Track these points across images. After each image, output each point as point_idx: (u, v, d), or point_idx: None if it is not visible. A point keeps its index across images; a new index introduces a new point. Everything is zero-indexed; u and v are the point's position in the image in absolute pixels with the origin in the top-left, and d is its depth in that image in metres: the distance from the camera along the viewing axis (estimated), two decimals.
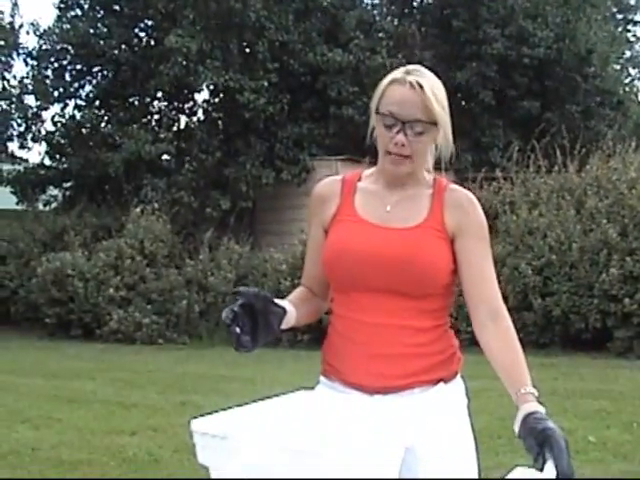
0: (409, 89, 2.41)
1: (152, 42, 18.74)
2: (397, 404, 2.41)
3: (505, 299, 9.56)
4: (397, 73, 2.47)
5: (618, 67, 24.23)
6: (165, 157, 17.97)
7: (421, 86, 2.40)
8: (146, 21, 18.97)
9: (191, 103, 19.68)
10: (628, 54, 29.28)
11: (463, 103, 20.08)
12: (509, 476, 2.03)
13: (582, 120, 19.80)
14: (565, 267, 12.03)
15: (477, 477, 2.58)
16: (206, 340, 14.54)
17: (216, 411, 2.14)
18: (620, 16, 30.14)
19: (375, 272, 2.42)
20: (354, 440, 2.09)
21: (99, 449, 6.69)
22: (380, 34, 19.21)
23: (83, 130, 18.51)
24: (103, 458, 6.37)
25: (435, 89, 2.44)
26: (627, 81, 25.16)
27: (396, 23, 21.08)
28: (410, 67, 2.50)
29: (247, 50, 17.98)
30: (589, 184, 13.03)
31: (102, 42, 18.10)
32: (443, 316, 2.54)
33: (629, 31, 30.61)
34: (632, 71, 29.42)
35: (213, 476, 2.12)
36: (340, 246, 2.48)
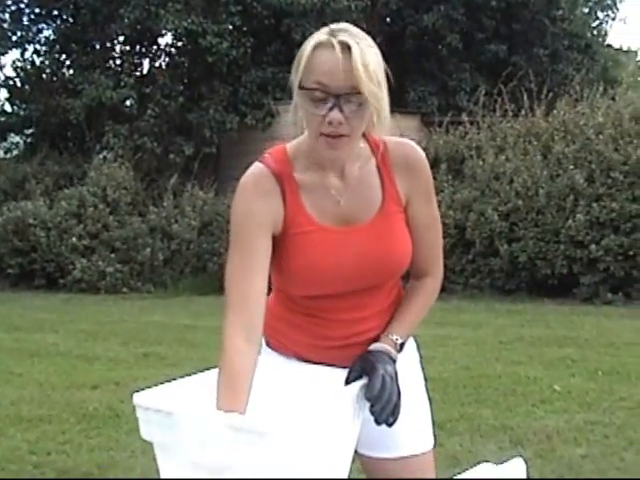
0: (337, 53, 1.97)
1: None
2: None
3: (472, 244, 9.61)
4: (321, 35, 2.02)
5: (586, 10, 24.06)
6: (127, 103, 17.69)
7: (351, 50, 1.97)
8: None
9: (154, 47, 19.32)
10: None
11: (430, 46, 19.88)
12: (473, 474, 1.94)
13: (550, 64, 19.69)
14: (532, 213, 11.98)
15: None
16: (171, 288, 14.44)
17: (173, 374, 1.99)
18: None
19: (351, 281, 2.19)
20: (307, 416, 1.97)
21: (59, 404, 6.55)
22: None
23: (43, 76, 18.18)
24: (63, 414, 6.23)
25: (365, 55, 1.99)
26: (595, 24, 24.97)
27: None
28: (334, 26, 2.04)
29: None
30: (556, 129, 12.93)
31: None
32: (400, 279, 2.39)
33: None
34: (600, 14, 29.23)
35: (157, 452, 2.01)
36: (305, 263, 2.16)
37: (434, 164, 13.65)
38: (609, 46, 25.75)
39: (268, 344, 2.40)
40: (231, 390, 1.99)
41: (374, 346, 2.20)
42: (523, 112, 13.87)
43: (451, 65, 19.48)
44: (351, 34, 2.01)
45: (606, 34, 25.64)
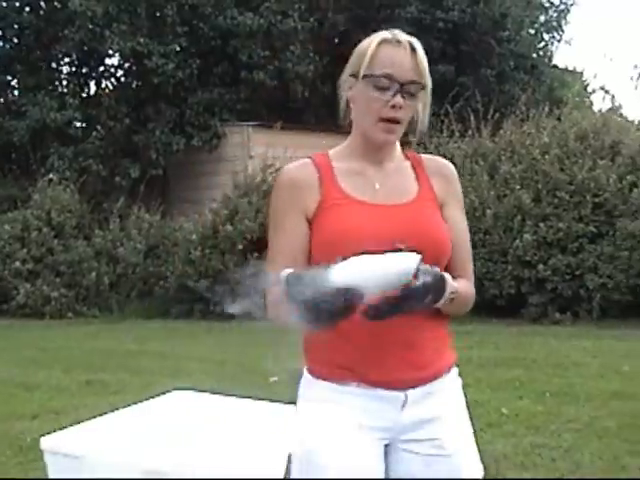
0: (402, 49, 2.27)
1: (56, 5, 18.08)
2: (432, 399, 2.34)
3: None
4: (385, 34, 2.31)
5: (533, 32, 24.30)
6: (73, 124, 17.48)
7: (413, 48, 2.28)
8: None
9: (101, 69, 19.15)
10: (542, 19, 29.41)
11: None
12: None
13: (496, 84, 19.81)
14: (479, 233, 11.95)
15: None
16: (117, 313, 14.23)
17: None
18: None
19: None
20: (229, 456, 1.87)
21: None
22: None
23: None
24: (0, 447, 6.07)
25: (423, 52, 2.31)
26: (541, 45, 25.24)
27: None
28: (393, 30, 2.34)
29: (156, 14, 17.47)
30: (503, 149, 12.96)
31: (4, 4, 17.48)
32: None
33: None
34: (546, 36, 29.53)
35: None
36: (343, 227, 2.23)
37: None
38: (555, 67, 26.03)
39: (312, 372, 2.37)
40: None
41: None
42: (470, 132, 13.89)
43: None
44: (410, 36, 2.32)
45: (552, 55, 25.96)
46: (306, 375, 2.37)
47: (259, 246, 13.13)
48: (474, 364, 8.73)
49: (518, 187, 11.97)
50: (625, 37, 64.04)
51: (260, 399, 3.27)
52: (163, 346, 10.79)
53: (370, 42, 2.31)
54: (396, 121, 2.27)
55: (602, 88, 32.75)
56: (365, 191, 2.31)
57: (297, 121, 18.66)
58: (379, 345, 2.24)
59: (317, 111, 20.28)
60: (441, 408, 2.36)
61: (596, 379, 7.96)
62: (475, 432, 6.22)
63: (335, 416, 2.25)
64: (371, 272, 1.93)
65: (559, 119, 13.85)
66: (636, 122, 17.19)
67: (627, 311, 11.61)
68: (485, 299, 11.93)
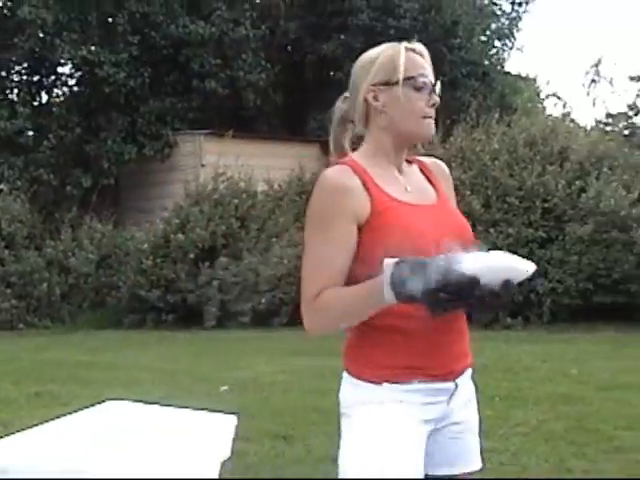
0: (419, 55, 2.43)
1: (6, 12, 17.91)
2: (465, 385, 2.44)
3: None
4: (407, 44, 2.45)
5: (484, 39, 24.47)
6: (24, 134, 17.31)
7: (423, 55, 2.44)
8: None
9: (53, 77, 18.99)
10: (494, 26, 29.63)
11: (330, 75, 19.95)
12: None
13: (448, 91, 19.87)
14: None
15: None
16: (69, 324, 14.12)
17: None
18: None
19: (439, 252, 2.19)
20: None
21: None
22: (244, 5, 18.82)
23: None
24: None
25: None
26: (493, 52, 25.42)
27: None
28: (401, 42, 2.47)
29: (107, 22, 17.40)
30: (453, 155, 13.04)
31: None
32: None
33: (495, 4, 30.95)
34: (498, 43, 29.76)
35: None
36: (409, 227, 2.28)
37: None
38: (507, 73, 26.22)
39: (367, 377, 2.33)
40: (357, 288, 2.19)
41: None
42: None
43: None
44: (419, 44, 2.48)
45: (504, 62, 26.15)
46: (358, 382, 2.34)
47: (211, 255, 13.12)
48: None
49: (468, 193, 12.03)
50: (577, 44, 64.86)
51: (204, 409, 3.25)
52: (115, 356, 10.72)
53: (392, 49, 2.44)
54: (432, 117, 2.40)
55: (554, 94, 33.08)
56: (403, 194, 2.38)
57: (250, 129, 18.64)
58: (438, 339, 2.31)
59: (270, 119, 20.28)
60: (470, 393, 2.47)
61: (545, 383, 8.03)
62: None
63: (403, 417, 2.29)
64: (498, 268, 2.03)
65: (509, 125, 13.97)
66: (588, 127, 17.43)
67: (577, 315, 11.73)
68: None
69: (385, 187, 2.35)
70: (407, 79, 2.38)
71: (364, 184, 2.31)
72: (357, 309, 2.20)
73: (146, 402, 2.99)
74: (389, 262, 2.03)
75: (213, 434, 2.05)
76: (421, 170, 2.53)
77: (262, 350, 10.79)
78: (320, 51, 19.16)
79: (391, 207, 2.31)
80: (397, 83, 2.38)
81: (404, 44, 2.44)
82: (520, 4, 30.39)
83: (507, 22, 30.62)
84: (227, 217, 13.36)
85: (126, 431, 2.08)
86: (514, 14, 30.86)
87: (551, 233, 11.79)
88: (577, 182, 11.82)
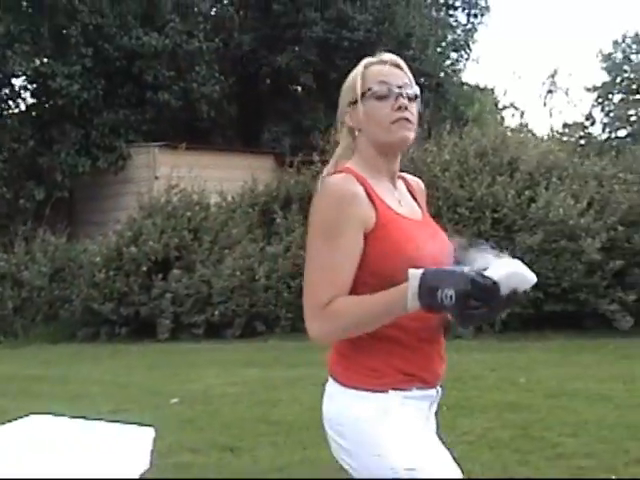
0: (389, 67, 2.47)
1: None
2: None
3: None
4: (370, 59, 2.51)
5: (440, 50, 24.66)
6: None
7: (399, 65, 2.49)
8: None
9: (7, 90, 18.83)
10: (450, 38, 29.87)
11: (284, 87, 20.01)
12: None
13: None
14: None
15: None
16: (22, 337, 14.00)
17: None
18: (442, 0, 30.71)
19: (435, 265, 2.25)
20: None
21: None
22: (198, 17, 18.84)
23: None
24: None
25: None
26: (448, 64, 25.62)
27: (214, 6, 20.78)
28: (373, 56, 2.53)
29: (60, 34, 17.30)
30: (405, 166, 13.04)
31: None
32: None
33: (451, 16, 31.21)
34: (454, 54, 29.99)
35: None
36: (411, 241, 2.34)
37: (285, 204, 13.67)
38: (463, 84, 26.42)
39: (366, 385, 2.35)
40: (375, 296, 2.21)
41: None
42: None
43: (305, 105, 19.63)
44: (392, 55, 2.55)
45: (460, 73, 26.36)
46: (360, 394, 2.34)
47: (163, 267, 13.08)
48: None
49: None
50: (534, 55, 65.48)
51: (150, 424, 3.24)
52: (67, 370, 10.66)
53: (355, 70, 2.49)
54: (406, 119, 2.40)
55: (512, 105, 33.41)
56: (399, 207, 2.43)
57: (205, 141, 18.65)
58: (428, 348, 2.40)
59: (225, 131, 20.29)
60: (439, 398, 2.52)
61: (492, 391, 8.09)
62: None
63: (414, 422, 2.35)
64: (517, 276, 2.09)
65: (461, 137, 14.07)
66: (545, 137, 17.60)
67: (528, 323, 11.83)
68: None
69: (385, 199, 2.38)
70: (366, 92, 2.42)
71: (367, 194, 2.33)
72: (373, 318, 2.22)
73: (73, 416, 3.00)
74: (415, 272, 2.08)
75: (130, 447, 2.07)
76: (406, 186, 2.60)
77: (214, 362, 10.77)
78: (274, 63, 19.21)
79: (395, 219, 2.35)
80: (360, 100, 2.43)
81: (366, 60, 2.50)
82: (475, 15, 30.73)
83: (463, 34, 30.92)
84: (180, 229, 13.33)
85: (41, 445, 2.10)
86: (469, 25, 31.18)
87: (501, 243, 11.84)
88: (526, 192, 11.93)
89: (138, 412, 7.47)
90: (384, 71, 2.45)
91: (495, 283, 2.02)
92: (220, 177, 15.46)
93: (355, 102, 2.44)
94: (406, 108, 2.39)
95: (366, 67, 2.47)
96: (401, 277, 2.13)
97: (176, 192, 14.11)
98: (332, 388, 2.40)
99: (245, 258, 12.85)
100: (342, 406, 2.35)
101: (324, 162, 10.29)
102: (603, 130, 32.73)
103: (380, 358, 2.33)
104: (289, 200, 13.65)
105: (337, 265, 2.27)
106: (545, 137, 18.61)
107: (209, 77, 17.99)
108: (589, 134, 26.49)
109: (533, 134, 20.17)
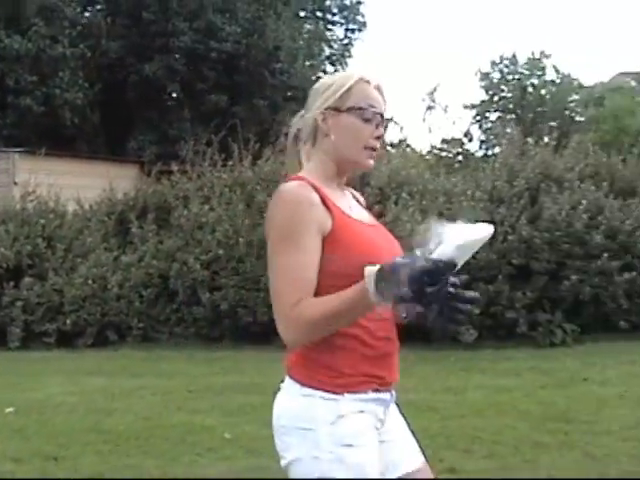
0: (373, 88, 2.50)
1: None
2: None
3: (176, 294, 9.65)
4: (359, 73, 2.52)
5: (315, 63, 24.99)
6: None
7: (379, 87, 2.52)
8: None
9: None
10: (328, 52, 30.26)
11: (152, 96, 19.97)
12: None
13: (269, 114, 20.21)
14: (232, 261, 12.16)
15: None
16: None
17: None
18: (320, 14, 31.07)
19: None
20: None
21: None
22: (63, 22, 18.66)
23: None
24: None
25: None
26: (319, 77, 25.89)
27: (81, 11, 20.60)
28: (353, 70, 2.64)
29: None
30: (261, 179, 13.20)
31: None
32: None
33: (330, 30, 31.60)
34: (330, 68, 30.34)
35: None
36: (368, 243, 2.40)
37: (142, 213, 13.64)
38: None
39: (317, 387, 2.36)
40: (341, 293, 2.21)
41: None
42: (231, 162, 14.02)
43: (173, 114, 19.65)
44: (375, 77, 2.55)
45: None
46: (314, 393, 2.35)
47: (15, 275, 12.92)
48: (214, 391, 8.95)
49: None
50: (414, 71, 66.68)
51: None
52: None
53: (346, 78, 2.52)
54: (376, 149, 2.49)
55: (391, 119, 33.94)
56: (351, 212, 2.47)
57: (70, 148, 18.47)
58: (386, 349, 2.43)
59: (90, 138, 20.12)
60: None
61: None
62: (191, 457, 6.37)
63: (367, 429, 2.38)
64: (468, 244, 2.15)
65: None
66: (424, 152, 17.97)
67: None
68: (239, 326, 12.15)
69: (339, 205, 2.42)
70: (356, 109, 2.46)
71: (322, 200, 2.36)
72: (340, 316, 2.23)
73: None
74: (371, 269, 2.11)
75: None
76: (352, 196, 2.65)
77: (61, 371, 10.69)
78: (142, 71, 19.20)
79: (350, 223, 2.40)
80: (345, 111, 2.46)
81: (360, 74, 2.52)
82: (353, 30, 31.19)
83: (340, 48, 31.35)
84: (33, 237, 13.18)
85: None
86: (346, 40, 31.65)
87: None
88: (376, 207, 12.14)
89: None
90: (371, 94, 2.49)
91: (444, 260, 2.04)
92: (80, 185, 15.29)
93: (338, 110, 2.47)
94: (380, 137, 2.49)
95: (357, 82, 2.49)
96: (362, 277, 2.16)
97: (32, 199, 13.95)
98: (287, 385, 2.43)
99: (99, 267, 12.77)
100: (293, 405, 2.38)
101: (183, 172, 10.29)
102: (480, 147, 33.69)
103: (341, 355, 2.35)
104: (146, 209, 13.64)
105: (299, 269, 2.30)
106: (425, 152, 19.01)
107: (73, 83, 17.87)
108: (467, 150, 27.16)
109: (412, 149, 20.62)
